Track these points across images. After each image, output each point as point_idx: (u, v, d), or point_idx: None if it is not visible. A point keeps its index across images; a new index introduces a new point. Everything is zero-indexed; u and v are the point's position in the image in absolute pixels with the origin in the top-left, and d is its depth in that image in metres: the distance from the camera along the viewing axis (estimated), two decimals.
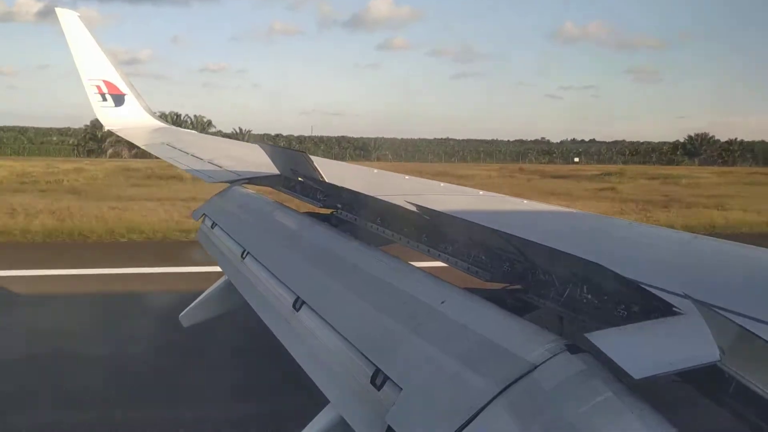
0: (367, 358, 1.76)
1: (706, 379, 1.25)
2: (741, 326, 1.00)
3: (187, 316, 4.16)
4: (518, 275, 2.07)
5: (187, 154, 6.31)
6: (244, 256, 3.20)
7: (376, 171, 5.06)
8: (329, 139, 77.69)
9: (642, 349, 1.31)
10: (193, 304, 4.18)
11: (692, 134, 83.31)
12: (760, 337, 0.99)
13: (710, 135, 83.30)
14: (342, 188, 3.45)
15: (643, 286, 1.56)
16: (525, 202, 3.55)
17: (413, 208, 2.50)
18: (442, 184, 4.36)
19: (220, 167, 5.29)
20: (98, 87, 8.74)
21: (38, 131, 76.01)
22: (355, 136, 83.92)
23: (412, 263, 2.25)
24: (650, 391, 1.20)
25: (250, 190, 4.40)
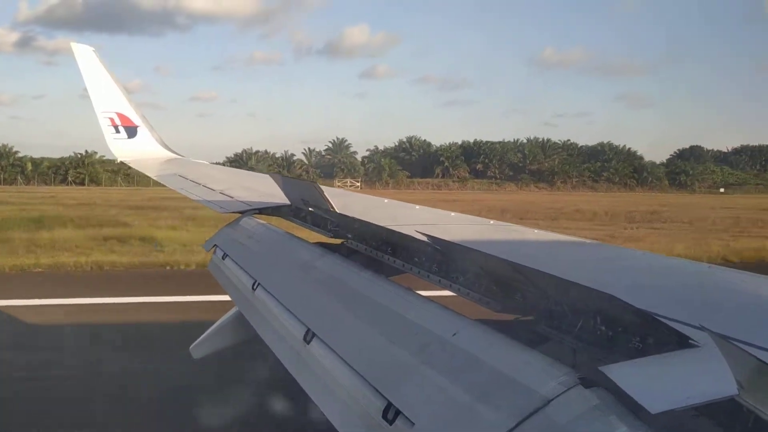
0: (378, 391, 1.74)
1: (724, 414, 1.22)
2: (759, 359, 0.98)
3: (198, 348, 4.15)
4: (530, 306, 2.05)
5: (199, 184, 6.38)
6: (254, 287, 3.20)
7: (386, 201, 5.07)
8: None
9: (658, 382, 1.28)
10: (204, 335, 4.17)
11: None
12: None
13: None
14: (352, 218, 3.46)
15: (658, 317, 1.54)
16: (536, 231, 3.54)
17: (424, 238, 2.50)
18: (452, 213, 4.36)
19: (232, 197, 5.33)
20: (111, 119, 8.88)
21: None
22: None
23: (422, 293, 2.24)
24: (667, 427, 1.18)
25: (261, 220, 4.42)
